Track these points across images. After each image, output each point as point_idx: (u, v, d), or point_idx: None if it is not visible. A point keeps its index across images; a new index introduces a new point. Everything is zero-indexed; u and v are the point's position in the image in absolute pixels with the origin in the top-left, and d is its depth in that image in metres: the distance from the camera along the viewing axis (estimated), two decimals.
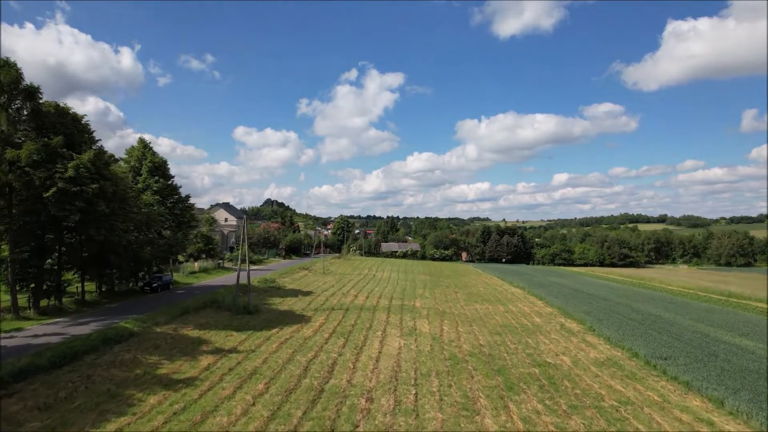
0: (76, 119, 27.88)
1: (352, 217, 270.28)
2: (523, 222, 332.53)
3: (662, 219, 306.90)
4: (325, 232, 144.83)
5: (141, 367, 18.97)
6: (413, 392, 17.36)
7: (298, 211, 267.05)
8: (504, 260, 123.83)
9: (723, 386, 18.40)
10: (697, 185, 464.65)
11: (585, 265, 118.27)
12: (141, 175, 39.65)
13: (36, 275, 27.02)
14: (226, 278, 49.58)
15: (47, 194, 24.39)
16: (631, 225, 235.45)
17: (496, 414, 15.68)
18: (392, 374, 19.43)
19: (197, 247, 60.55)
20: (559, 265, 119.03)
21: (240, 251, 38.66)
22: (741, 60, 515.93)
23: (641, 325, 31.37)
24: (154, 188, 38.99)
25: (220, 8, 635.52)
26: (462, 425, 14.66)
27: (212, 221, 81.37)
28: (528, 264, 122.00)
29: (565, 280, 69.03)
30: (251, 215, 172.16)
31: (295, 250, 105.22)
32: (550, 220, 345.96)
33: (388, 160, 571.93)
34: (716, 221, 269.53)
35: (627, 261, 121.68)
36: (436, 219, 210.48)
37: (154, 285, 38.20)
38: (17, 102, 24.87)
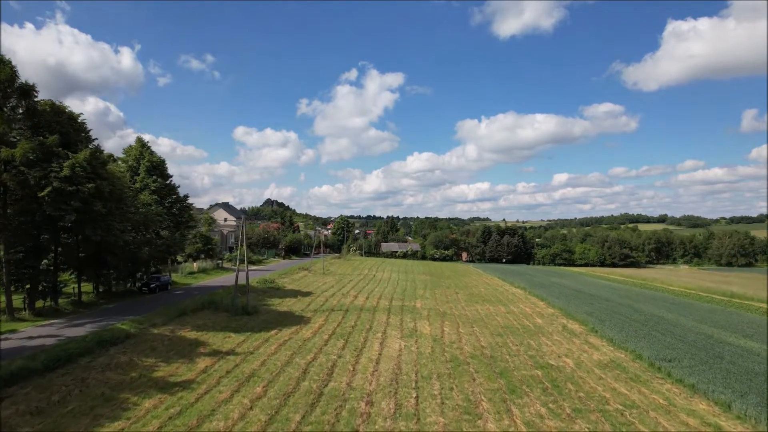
0: (71, 118, 27.53)
1: (352, 217, 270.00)
2: (523, 222, 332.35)
3: (662, 219, 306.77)
4: (325, 232, 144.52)
5: (137, 369, 18.63)
6: (414, 395, 17.02)
7: (298, 211, 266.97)
8: (504, 260, 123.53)
9: (729, 389, 18.06)
10: (697, 185, 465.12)
11: (585, 265, 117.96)
12: (139, 174, 39.30)
13: (31, 276, 26.67)
14: (225, 279, 49.23)
15: (42, 194, 24.05)
16: (631, 225, 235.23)
17: (498, 418, 15.35)
18: (393, 377, 19.09)
19: (196, 248, 60.23)
20: (560, 265, 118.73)
21: (239, 251, 38.35)
22: (741, 60, 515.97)
23: (644, 326, 31.04)
24: (152, 188, 38.64)
25: (220, 8, 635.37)
26: (464, 430, 14.33)
27: (211, 221, 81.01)
28: (528, 264, 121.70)
29: (566, 280, 68.72)
30: (251, 215, 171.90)
31: (295, 250, 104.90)
32: (550, 220, 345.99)
33: (388, 160, 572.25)
34: (716, 221, 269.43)
35: (628, 261, 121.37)
36: (437, 219, 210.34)
37: (151, 285, 37.86)
38: (12, 100, 24.53)
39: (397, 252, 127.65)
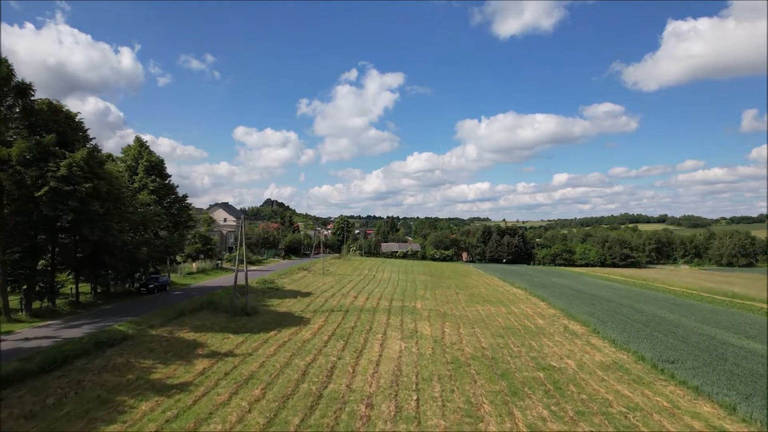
0: (69, 117, 27.28)
1: (352, 217, 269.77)
2: (523, 222, 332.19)
3: (662, 219, 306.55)
4: (325, 232, 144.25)
5: (134, 371, 18.38)
6: (415, 398, 16.80)
7: (298, 211, 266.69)
8: (505, 260, 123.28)
9: (734, 391, 17.83)
10: (697, 185, 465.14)
11: (586, 265, 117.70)
12: (137, 174, 39.06)
13: (28, 276, 26.43)
14: (225, 279, 48.97)
15: (39, 193, 23.81)
16: (631, 225, 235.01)
17: (500, 421, 15.13)
18: (393, 379, 18.86)
19: (195, 248, 59.98)
20: (560, 265, 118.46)
21: (238, 252, 38.12)
22: (741, 60, 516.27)
23: (646, 327, 30.81)
24: (151, 187, 38.39)
25: (220, 8, 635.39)
26: None
27: (210, 221, 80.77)
28: (529, 264, 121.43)
29: (566, 280, 68.50)
30: (251, 215, 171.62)
31: (295, 250, 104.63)
32: (550, 220, 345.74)
33: (388, 160, 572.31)
34: (716, 221, 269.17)
35: (628, 261, 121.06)
36: (437, 219, 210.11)
37: (150, 286, 37.60)
38: (8, 99, 24.28)
39: (397, 252, 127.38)
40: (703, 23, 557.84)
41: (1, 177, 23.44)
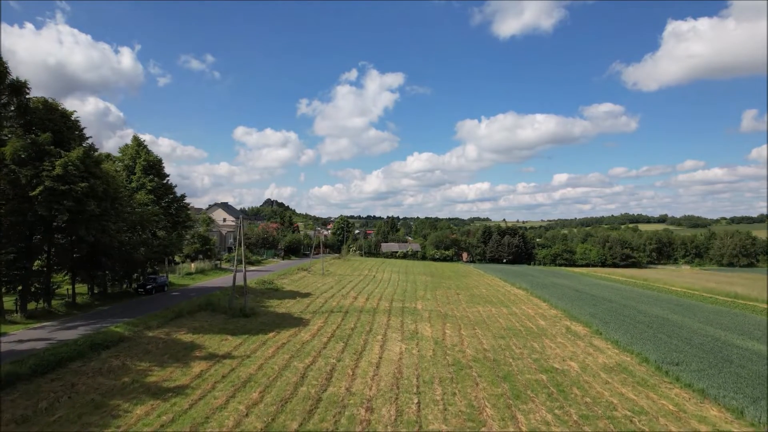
0: (65, 116, 26.91)
1: (352, 217, 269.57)
2: (524, 222, 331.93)
3: (662, 219, 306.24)
4: (325, 233, 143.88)
5: (129, 374, 18.04)
6: (415, 401, 16.46)
7: (298, 211, 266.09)
8: (505, 261, 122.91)
9: (741, 394, 17.49)
10: (697, 185, 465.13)
11: (587, 265, 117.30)
12: (135, 173, 38.70)
13: (23, 277, 26.03)
14: (223, 279, 48.60)
15: (34, 193, 23.45)
16: (631, 225, 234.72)
17: (503, 425, 14.80)
18: (393, 381, 18.53)
19: (194, 248, 59.63)
20: (561, 265, 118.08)
21: (237, 252, 37.79)
22: (741, 60, 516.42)
23: (649, 328, 30.46)
24: (149, 187, 38.02)
25: (220, 8, 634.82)
26: None
27: (210, 221, 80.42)
28: (529, 264, 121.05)
29: (567, 281, 68.15)
30: (251, 215, 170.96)
31: (295, 250, 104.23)
32: (550, 221, 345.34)
33: (388, 160, 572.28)
34: (717, 221, 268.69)
35: (629, 261, 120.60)
36: (437, 219, 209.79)
37: (148, 287, 37.24)
38: (3, 97, 23.92)
39: (397, 252, 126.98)
40: (703, 23, 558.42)
41: None
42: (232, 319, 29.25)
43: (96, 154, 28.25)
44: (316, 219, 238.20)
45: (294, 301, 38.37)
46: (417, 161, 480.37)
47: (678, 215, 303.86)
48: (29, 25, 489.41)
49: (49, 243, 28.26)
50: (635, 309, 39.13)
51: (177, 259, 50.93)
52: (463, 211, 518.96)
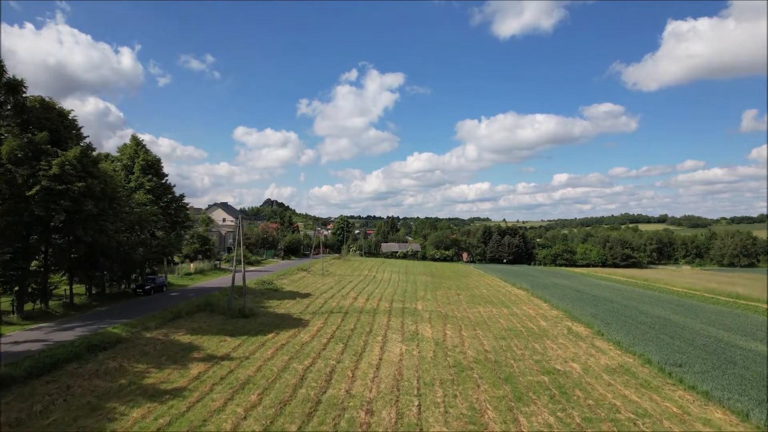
0: (62, 114, 26.68)
1: (352, 217, 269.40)
2: (524, 222, 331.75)
3: (663, 219, 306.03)
4: (325, 233, 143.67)
5: (126, 376, 17.81)
6: (416, 403, 16.23)
7: (298, 211, 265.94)
8: (505, 261, 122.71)
9: (746, 396, 17.26)
10: (697, 185, 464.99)
11: (587, 265, 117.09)
12: (133, 173, 38.47)
13: (20, 277, 25.78)
14: (223, 280, 48.37)
15: (30, 193, 23.22)
16: (631, 225, 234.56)
17: (505, 428, 14.57)
18: (394, 383, 18.30)
19: (193, 248, 59.40)
20: (561, 265, 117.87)
21: (236, 252, 37.58)
22: (741, 60, 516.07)
23: (651, 328, 30.24)
24: (147, 187, 37.79)
25: (220, 8, 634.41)
26: None
27: (209, 221, 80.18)
28: (529, 264, 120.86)
29: (568, 281, 67.94)
30: (251, 215, 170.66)
31: (294, 250, 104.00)
32: (550, 221, 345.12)
33: (388, 161, 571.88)
34: (717, 221, 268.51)
35: (629, 262, 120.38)
36: (437, 219, 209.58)
37: (146, 287, 37.01)
38: (0, 96, 23.69)
39: (397, 252, 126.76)
40: (703, 23, 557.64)
41: None
42: (231, 320, 29.02)
43: (94, 153, 27.99)
44: (316, 219, 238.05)
45: (293, 302, 38.14)
46: (417, 161, 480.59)
47: (678, 215, 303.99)
48: (29, 25, 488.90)
49: (47, 243, 28.04)
50: (637, 309, 38.91)
51: (176, 259, 50.67)
52: (463, 211, 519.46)
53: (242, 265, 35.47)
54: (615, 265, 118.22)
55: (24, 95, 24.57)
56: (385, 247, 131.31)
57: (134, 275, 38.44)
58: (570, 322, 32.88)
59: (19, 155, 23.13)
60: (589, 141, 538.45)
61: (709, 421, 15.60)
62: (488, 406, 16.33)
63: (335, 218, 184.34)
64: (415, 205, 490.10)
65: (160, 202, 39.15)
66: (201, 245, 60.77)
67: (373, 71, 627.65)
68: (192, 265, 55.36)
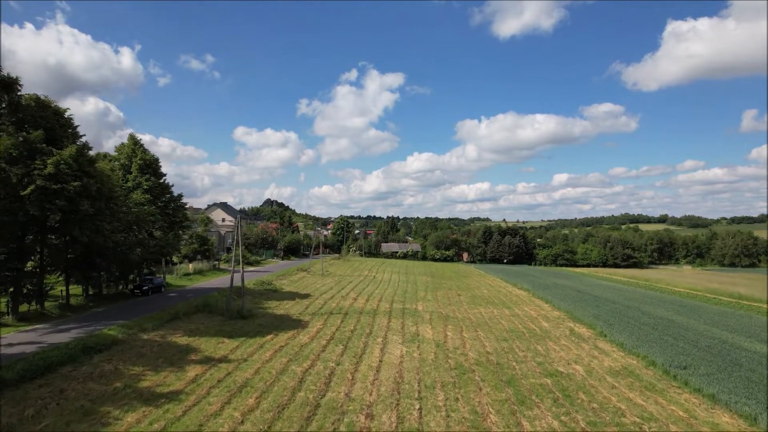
0: (57, 113, 26.31)
1: (352, 217, 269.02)
2: (524, 222, 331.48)
3: (663, 219, 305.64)
4: (325, 233, 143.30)
5: (122, 379, 17.45)
6: (417, 407, 15.90)
7: (298, 211, 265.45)
8: (506, 261, 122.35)
9: (753, 400, 16.95)
10: (697, 185, 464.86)
11: (588, 265, 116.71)
12: (131, 173, 38.11)
13: (15, 278, 25.42)
14: (221, 280, 48.02)
15: (25, 192, 22.87)
16: (632, 225, 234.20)
17: None
18: (394, 386, 17.97)
19: (192, 248, 59.03)
20: (562, 265, 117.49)
21: (235, 252, 37.23)
22: (741, 60, 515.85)
23: (654, 330, 29.91)
24: (145, 186, 37.41)
25: (220, 8, 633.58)
26: None
27: (208, 221, 79.82)
28: (530, 265, 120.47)
29: (569, 281, 67.61)
30: (251, 215, 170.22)
31: (294, 250, 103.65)
32: (550, 221, 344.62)
33: (388, 161, 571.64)
34: (717, 221, 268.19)
35: (630, 262, 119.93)
36: (437, 219, 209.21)
37: (144, 288, 36.65)
38: None
39: (397, 252, 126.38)
40: (703, 23, 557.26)
41: None
42: (229, 321, 28.67)
43: (90, 152, 27.64)
44: (316, 219, 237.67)
45: (293, 303, 37.79)
46: (417, 161, 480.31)
47: (678, 215, 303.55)
48: (29, 25, 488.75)
49: (42, 243, 27.67)
50: (639, 310, 38.58)
51: (174, 259, 50.26)
52: (463, 211, 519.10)
53: (241, 266, 35.13)
54: (616, 266, 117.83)
55: (19, 93, 24.21)
56: (385, 247, 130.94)
57: (132, 276, 38.08)
58: (572, 323, 32.54)
59: (14, 154, 22.78)
60: (589, 141, 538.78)
61: (716, 426, 15.28)
62: (491, 409, 16.00)
63: (335, 218, 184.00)
64: (415, 205, 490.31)
65: (158, 202, 38.75)
66: (200, 245, 60.41)
67: (373, 71, 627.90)
68: (191, 265, 55.02)
